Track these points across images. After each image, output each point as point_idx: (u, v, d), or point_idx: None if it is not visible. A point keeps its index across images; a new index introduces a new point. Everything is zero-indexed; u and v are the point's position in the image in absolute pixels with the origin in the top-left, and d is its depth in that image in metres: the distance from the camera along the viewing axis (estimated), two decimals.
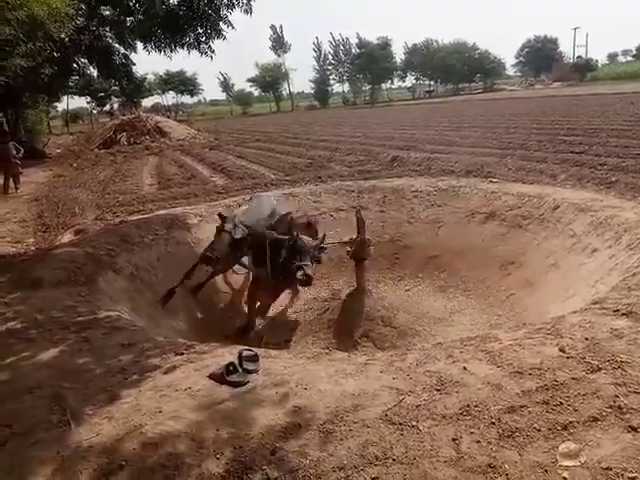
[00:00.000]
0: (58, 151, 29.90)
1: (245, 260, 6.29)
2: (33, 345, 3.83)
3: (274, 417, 2.66)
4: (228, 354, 3.44)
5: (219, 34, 8.13)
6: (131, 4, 7.51)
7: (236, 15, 8.00)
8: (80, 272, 5.64)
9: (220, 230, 5.81)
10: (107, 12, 10.13)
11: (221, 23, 7.95)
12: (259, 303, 6.42)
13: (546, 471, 2.14)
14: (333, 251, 7.83)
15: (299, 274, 5.22)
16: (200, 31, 8.02)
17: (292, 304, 7.09)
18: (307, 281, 5.29)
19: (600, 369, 2.82)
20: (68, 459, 2.47)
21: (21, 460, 2.51)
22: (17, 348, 3.81)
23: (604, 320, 3.49)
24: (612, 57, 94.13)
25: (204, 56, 8.34)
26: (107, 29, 10.70)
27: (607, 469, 2.10)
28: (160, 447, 2.48)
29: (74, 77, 30.36)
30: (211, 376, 3.11)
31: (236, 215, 6.32)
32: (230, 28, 8.18)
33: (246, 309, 6.50)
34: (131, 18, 9.07)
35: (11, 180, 15.28)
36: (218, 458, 2.38)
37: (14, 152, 15.53)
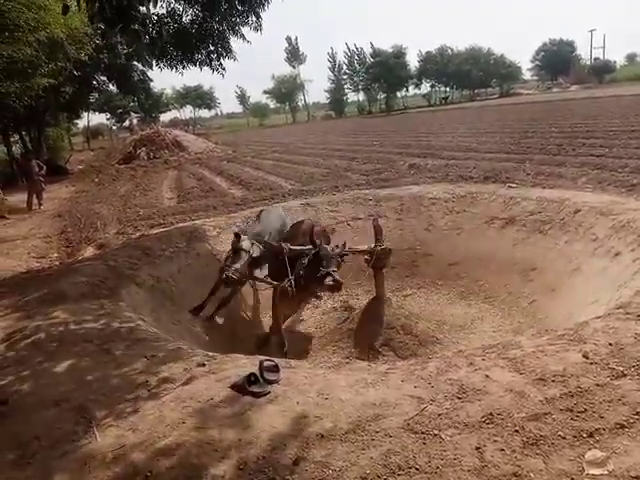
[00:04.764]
0: (80, 167, 30.51)
1: (259, 273, 6.10)
2: (58, 358, 3.90)
3: (296, 427, 2.67)
4: (249, 364, 3.46)
5: (229, 53, 8.26)
6: (137, 27, 7.63)
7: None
8: (103, 285, 5.74)
9: (237, 249, 5.64)
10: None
11: (235, 38, 8.05)
12: (283, 314, 6.23)
13: None
14: (352, 260, 7.86)
15: (328, 280, 5.03)
16: (211, 49, 8.14)
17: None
18: (337, 286, 5.08)
19: (625, 375, 2.77)
20: (94, 470, 2.51)
21: (50, 471, 2.55)
22: (42, 361, 3.88)
23: (628, 325, 3.43)
24: (631, 58, 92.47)
25: (215, 73, 8.47)
26: (124, 47, 10.89)
27: (636, 478, 2.06)
28: (184, 458, 2.51)
29: (94, 94, 31.20)
30: (233, 387, 3.13)
31: (247, 232, 6.21)
32: (245, 42, 8.30)
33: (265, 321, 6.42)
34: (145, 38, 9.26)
35: (35, 197, 15.65)
36: (241, 469, 2.40)
37: (37, 169, 15.92)
